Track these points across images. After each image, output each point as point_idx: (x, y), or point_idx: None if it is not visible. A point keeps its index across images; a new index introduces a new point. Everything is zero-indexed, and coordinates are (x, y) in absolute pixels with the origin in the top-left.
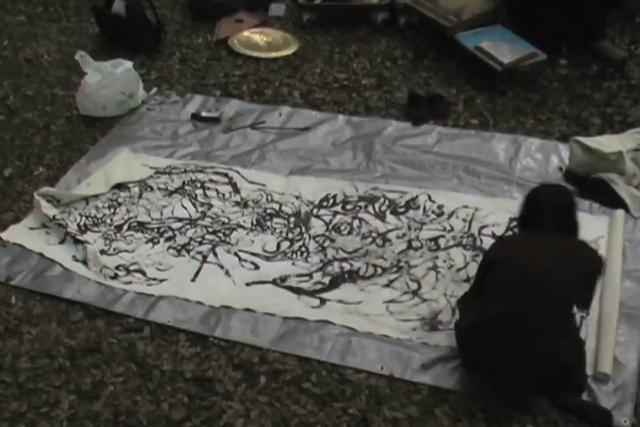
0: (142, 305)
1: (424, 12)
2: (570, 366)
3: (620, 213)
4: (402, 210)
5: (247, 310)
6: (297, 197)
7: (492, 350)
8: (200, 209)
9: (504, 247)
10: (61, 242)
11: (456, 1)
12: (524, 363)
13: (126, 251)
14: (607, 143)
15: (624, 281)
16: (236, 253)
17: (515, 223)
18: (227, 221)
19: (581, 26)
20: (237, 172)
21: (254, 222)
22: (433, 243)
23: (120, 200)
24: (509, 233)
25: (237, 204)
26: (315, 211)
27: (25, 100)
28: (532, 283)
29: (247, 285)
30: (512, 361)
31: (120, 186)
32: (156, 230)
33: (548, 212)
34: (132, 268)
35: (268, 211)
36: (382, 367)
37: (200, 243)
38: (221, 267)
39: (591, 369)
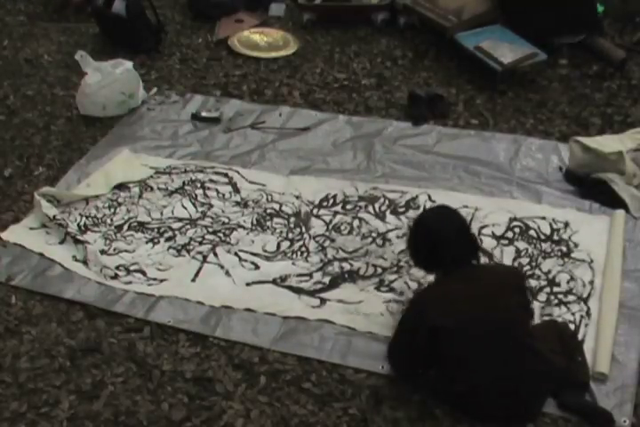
0: (142, 305)
1: (424, 13)
2: (566, 372)
3: (620, 213)
4: (402, 210)
5: (247, 309)
6: (297, 197)
7: (495, 404)
8: (200, 209)
9: (437, 311)
10: (61, 242)
11: (456, 1)
12: (528, 394)
13: (126, 251)
14: (607, 143)
15: (624, 281)
16: (236, 253)
17: (514, 224)
18: (227, 221)
19: (573, 21)
20: (237, 172)
21: (254, 222)
22: None
23: (120, 200)
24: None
25: (237, 204)
26: (315, 211)
27: (25, 100)
28: (492, 335)
29: (247, 285)
30: (517, 399)
31: (120, 186)
32: (156, 230)
33: (446, 243)
34: (132, 268)
35: (268, 211)
36: (382, 367)
37: (200, 243)
38: (221, 267)
39: (590, 369)
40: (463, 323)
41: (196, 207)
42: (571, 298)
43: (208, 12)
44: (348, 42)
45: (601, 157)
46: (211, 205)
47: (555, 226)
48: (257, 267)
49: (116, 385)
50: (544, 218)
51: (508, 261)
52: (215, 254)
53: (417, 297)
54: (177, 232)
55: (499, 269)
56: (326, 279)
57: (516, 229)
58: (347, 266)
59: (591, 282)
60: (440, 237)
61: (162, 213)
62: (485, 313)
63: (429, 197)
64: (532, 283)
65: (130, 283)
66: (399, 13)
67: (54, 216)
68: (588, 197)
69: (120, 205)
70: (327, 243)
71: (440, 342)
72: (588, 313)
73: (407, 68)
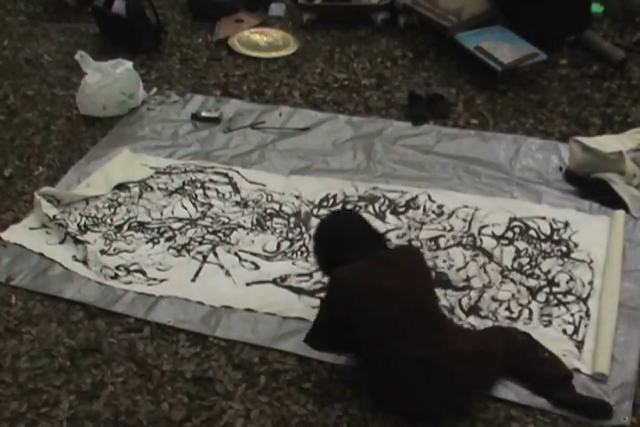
0: (142, 305)
1: (424, 13)
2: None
3: (620, 213)
4: (402, 210)
5: (247, 309)
6: (297, 197)
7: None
8: (200, 209)
9: (351, 295)
10: (61, 242)
11: (456, 1)
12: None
13: (126, 251)
14: (607, 143)
15: (624, 281)
16: (236, 253)
17: (514, 224)
18: (227, 221)
19: (564, 19)
20: (237, 172)
21: (254, 222)
22: (433, 243)
23: (120, 200)
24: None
25: (237, 204)
26: (315, 211)
27: (25, 100)
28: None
29: (247, 285)
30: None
31: (120, 186)
32: (156, 230)
33: (348, 243)
34: (132, 268)
35: (269, 211)
36: None
37: (200, 243)
38: (222, 267)
39: (589, 369)
40: (368, 302)
41: (196, 207)
42: (570, 298)
43: (208, 12)
44: (348, 42)
45: (601, 157)
46: (211, 205)
47: (555, 226)
48: (257, 267)
49: (116, 385)
50: (544, 218)
51: (507, 261)
52: (215, 254)
53: (334, 275)
54: (177, 232)
55: (401, 251)
56: (326, 279)
57: (516, 229)
58: None
59: (591, 282)
60: (340, 238)
61: (162, 213)
62: (391, 293)
63: (429, 197)
64: (532, 283)
65: (130, 283)
66: (399, 13)
67: (54, 216)
68: (588, 197)
69: (120, 205)
70: None
71: (352, 321)
72: (588, 313)
73: (407, 68)
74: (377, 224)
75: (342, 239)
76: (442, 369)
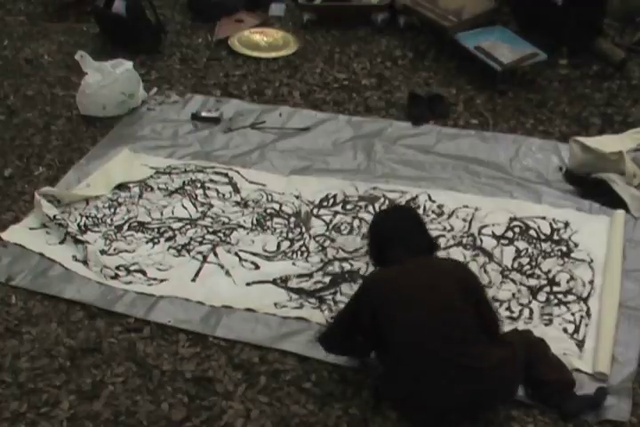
0: (142, 305)
1: (424, 13)
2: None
3: (620, 213)
4: None
5: (247, 309)
6: (297, 197)
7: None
8: (200, 209)
9: (381, 292)
10: (61, 242)
11: (456, 1)
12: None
13: (126, 251)
14: (607, 143)
15: (624, 281)
16: (236, 253)
17: (514, 224)
18: (227, 220)
19: (580, 25)
20: (237, 172)
21: (254, 222)
22: None
23: (120, 200)
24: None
25: (237, 204)
26: (315, 211)
27: (25, 100)
28: (430, 322)
29: (247, 284)
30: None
31: (120, 186)
32: (156, 230)
33: (396, 241)
34: (132, 268)
35: (269, 211)
36: None
37: (200, 243)
38: (222, 267)
39: (590, 368)
40: (401, 306)
41: (196, 207)
42: (570, 298)
43: (208, 11)
44: (348, 42)
45: (601, 157)
46: (211, 205)
47: (555, 226)
48: (257, 267)
49: (116, 385)
50: (544, 218)
51: (508, 260)
52: (215, 254)
53: (365, 279)
54: (177, 232)
55: (445, 261)
56: (326, 279)
57: (516, 229)
58: (347, 266)
59: (591, 282)
60: (385, 237)
61: (162, 213)
62: (424, 299)
63: (429, 197)
64: (532, 282)
65: (130, 283)
66: (399, 13)
67: (54, 216)
68: (587, 197)
69: (120, 205)
70: (327, 243)
71: (380, 326)
72: (588, 313)
73: (407, 68)
74: None
75: (388, 237)
76: (469, 377)
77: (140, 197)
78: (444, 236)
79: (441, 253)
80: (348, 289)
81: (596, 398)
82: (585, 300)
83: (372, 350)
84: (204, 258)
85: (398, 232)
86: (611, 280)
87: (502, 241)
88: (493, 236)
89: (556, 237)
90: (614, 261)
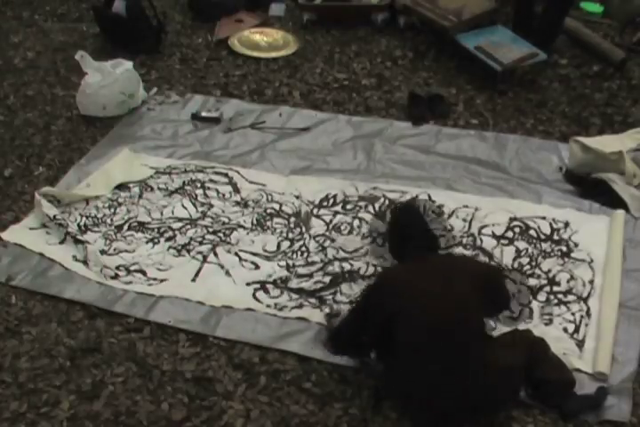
0: (142, 305)
1: (424, 13)
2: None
3: (621, 213)
4: None
5: (247, 309)
6: (297, 197)
7: (442, 398)
8: (200, 209)
9: (397, 296)
10: (61, 242)
11: (456, 1)
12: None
13: (126, 251)
14: (607, 143)
15: (624, 281)
16: (236, 253)
17: (514, 224)
18: (227, 220)
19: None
20: (237, 172)
21: (254, 222)
22: None
23: (120, 200)
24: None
25: (237, 204)
26: (315, 211)
27: (25, 100)
28: (444, 327)
29: (247, 284)
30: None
31: (120, 186)
32: (156, 230)
33: (418, 235)
34: (132, 268)
35: (269, 211)
36: None
37: (200, 243)
38: (222, 267)
39: (590, 368)
40: (414, 306)
41: (196, 207)
42: (570, 298)
43: (208, 11)
44: (348, 42)
45: (601, 157)
46: (211, 205)
47: (555, 226)
48: (257, 267)
49: (116, 385)
50: (544, 218)
51: (508, 260)
52: (215, 254)
53: (376, 278)
54: (177, 232)
55: (461, 258)
56: (326, 279)
57: (516, 229)
58: (347, 266)
59: (591, 281)
60: (407, 231)
61: (162, 213)
62: (437, 299)
63: (429, 197)
64: (532, 282)
65: (130, 283)
66: (399, 13)
67: (54, 216)
68: (587, 197)
69: (120, 205)
70: (327, 243)
71: (389, 324)
72: (588, 313)
73: (407, 68)
74: (377, 224)
75: (409, 231)
76: (474, 380)
77: (140, 197)
78: (444, 236)
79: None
80: (348, 289)
81: (597, 398)
82: (585, 300)
83: (374, 350)
84: (204, 258)
85: (420, 226)
86: (611, 280)
87: (502, 241)
88: (493, 236)
89: (556, 237)
90: (614, 261)
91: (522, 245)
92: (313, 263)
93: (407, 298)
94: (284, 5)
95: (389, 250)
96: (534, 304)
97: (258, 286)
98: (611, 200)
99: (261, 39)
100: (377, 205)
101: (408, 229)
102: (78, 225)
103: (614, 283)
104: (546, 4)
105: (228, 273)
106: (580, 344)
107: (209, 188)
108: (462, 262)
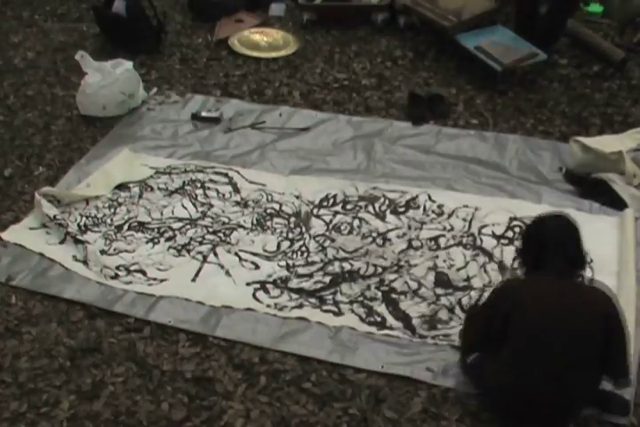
0: (142, 305)
1: (424, 13)
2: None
3: (630, 212)
4: (402, 209)
5: (247, 309)
6: (297, 197)
7: (530, 403)
8: (200, 209)
9: (519, 302)
10: (61, 242)
11: (456, 1)
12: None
13: (127, 251)
14: (607, 143)
15: None
16: (236, 253)
17: (514, 223)
18: (227, 220)
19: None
20: (237, 172)
21: (254, 222)
22: (433, 242)
23: (120, 200)
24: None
25: (237, 204)
26: (315, 211)
27: (25, 100)
28: (557, 339)
29: (247, 284)
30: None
31: (120, 186)
32: (156, 230)
33: (551, 250)
34: (132, 268)
35: (269, 211)
36: (383, 366)
37: (200, 243)
38: (222, 267)
39: None
40: (534, 321)
41: (196, 207)
42: None
43: (208, 11)
44: (348, 42)
45: (601, 157)
46: (211, 205)
47: None
48: (257, 267)
49: (116, 385)
50: None
51: (507, 260)
52: (215, 254)
53: (506, 285)
54: (177, 232)
55: (594, 292)
56: (326, 279)
57: (516, 229)
58: (347, 266)
59: (590, 281)
60: (548, 243)
61: (162, 213)
62: (557, 325)
63: (429, 197)
64: None
65: (130, 283)
66: (399, 13)
67: (54, 216)
68: (587, 197)
69: (120, 205)
70: (327, 243)
71: (508, 330)
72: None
73: (407, 68)
74: (377, 224)
75: (547, 243)
76: (563, 396)
77: (140, 197)
78: (444, 235)
79: (441, 253)
80: (348, 289)
81: (611, 402)
82: None
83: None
84: (204, 258)
85: (559, 240)
86: (625, 279)
87: (502, 241)
88: (493, 235)
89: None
90: (629, 260)
91: None
92: (313, 263)
93: (529, 319)
94: (284, 5)
95: (520, 254)
96: None
97: (258, 285)
98: (611, 200)
99: (261, 39)
100: (377, 205)
101: (560, 240)
102: (78, 225)
103: (629, 282)
104: (550, 4)
105: (228, 273)
106: None
107: (209, 188)
108: (593, 297)
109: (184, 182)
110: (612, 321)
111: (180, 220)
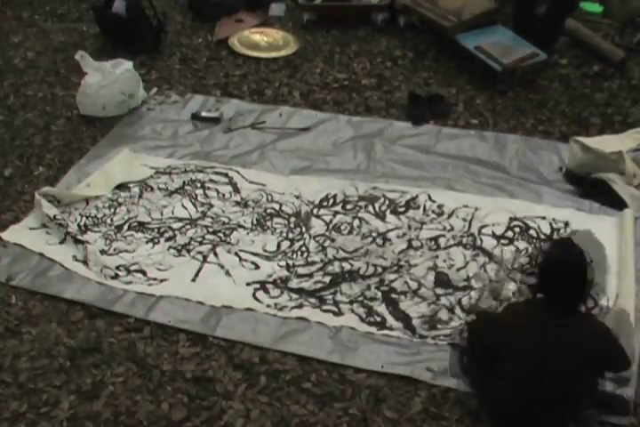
0: (142, 305)
1: (424, 13)
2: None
3: (630, 212)
4: (402, 210)
5: (247, 309)
6: (297, 197)
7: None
8: (200, 209)
9: (513, 333)
10: (61, 242)
11: (456, 1)
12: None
13: (127, 251)
14: (607, 143)
15: None
16: (236, 253)
17: (514, 224)
18: (227, 220)
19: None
20: (237, 172)
21: (254, 222)
22: (433, 242)
23: (120, 200)
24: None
25: (237, 204)
26: (315, 211)
27: (25, 100)
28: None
29: (247, 284)
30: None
31: (120, 186)
32: (156, 230)
33: (559, 282)
34: (132, 268)
35: (269, 211)
36: (382, 366)
37: (200, 243)
38: (222, 267)
39: None
40: (524, 352)
41: (196, 207)
42: None
43: (208, 11)
44: (348, 42)
45: (601, 157)
46: (211, 205)
47: (555, 226)
48: (257, 267)
49: (116, 385)
50: (544, 218)
51: (507, 260)
52: (215, 254)
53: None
54: (177, 232)
55: (594, 329)
56: (326, 279)
57: (516, 229)
58: (347, 266)
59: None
60: (558, 275)
61: (162, 213)
62: (549, 361)
63: (429, 197)
64: (532, 281)
65: (130, 283)
66: (399, 13)
67: (54, 216)
68: (587, 197)
69: (120, 205)
70: (327, 243)
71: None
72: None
73: (407, 68)
74: (377, 224)
75: (559, 276)
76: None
77: (140, 197)
78: (444, 235)
79: (441, 253)
80: (348, 289)
81: (611, 402)
82: None
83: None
84: (204, 258)
85: (564, 280)
86: (625, 279)
87: (502, 241)
88: (493, 235)
89: (556, 237)
90: (629, 260)
91: (522, 244)
92: (313, 263)
93: (521, 350)
94: (284, 5)
95: (535, 286)
96: None
97: (258, 285)
98: (611, 200)
99: (261, 39)
100: (377, 205)
101: (566, 276)
102: (78, 225)
103: (629, 282)
104: (548, 4)
105: (228, 273)
106: None
107: (209, 188)
108: (589, 334)
109: (184, 182)
110: (605, 353)
111: (180, 220)
